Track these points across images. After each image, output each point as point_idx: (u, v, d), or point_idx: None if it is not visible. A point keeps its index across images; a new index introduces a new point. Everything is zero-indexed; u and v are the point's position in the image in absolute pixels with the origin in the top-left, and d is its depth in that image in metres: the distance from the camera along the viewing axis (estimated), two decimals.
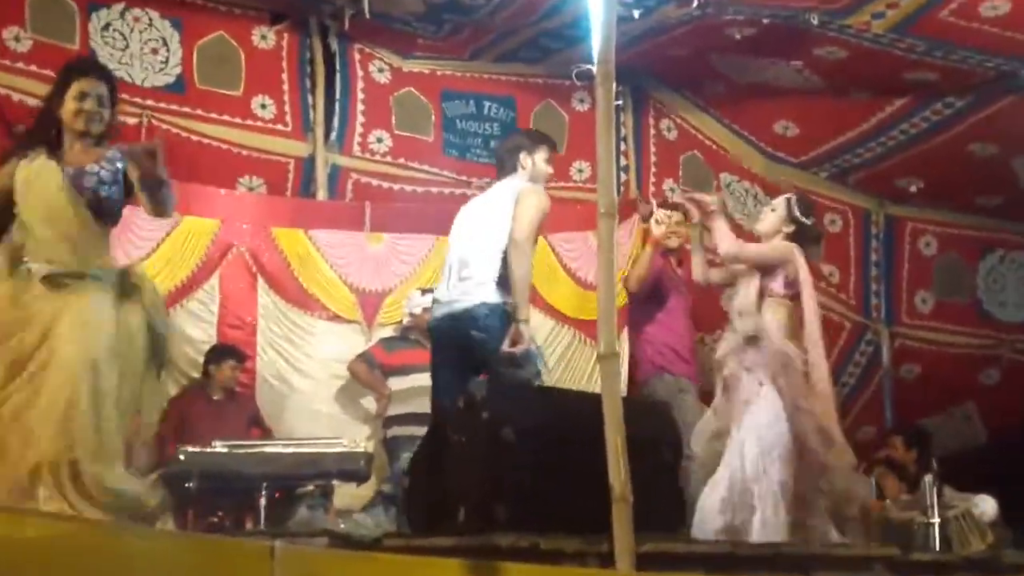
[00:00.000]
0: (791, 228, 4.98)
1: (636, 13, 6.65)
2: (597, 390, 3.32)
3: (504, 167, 5.11)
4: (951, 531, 6.05)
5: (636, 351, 6.67)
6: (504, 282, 4.71)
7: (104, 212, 3.92)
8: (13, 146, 4.06)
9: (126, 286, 3.89)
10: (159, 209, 4.06)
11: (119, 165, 3.95)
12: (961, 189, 8.41)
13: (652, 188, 8.43)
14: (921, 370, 8.70)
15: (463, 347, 4.74)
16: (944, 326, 8.79)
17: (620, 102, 8.04)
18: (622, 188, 8.14)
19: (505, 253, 4.73)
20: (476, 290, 4.76)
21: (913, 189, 8.46)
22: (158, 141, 4.18)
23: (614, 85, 3.00)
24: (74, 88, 3.94)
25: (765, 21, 6.81)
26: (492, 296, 4.72)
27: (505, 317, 4.66)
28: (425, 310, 6.81)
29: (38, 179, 3.87)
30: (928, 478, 6.09)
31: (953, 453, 7.78)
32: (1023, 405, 8.25)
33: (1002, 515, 6.36)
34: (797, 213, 4.99)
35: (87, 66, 4.29)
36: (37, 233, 3.81)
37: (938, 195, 8.54)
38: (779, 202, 5.13)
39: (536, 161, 5.02)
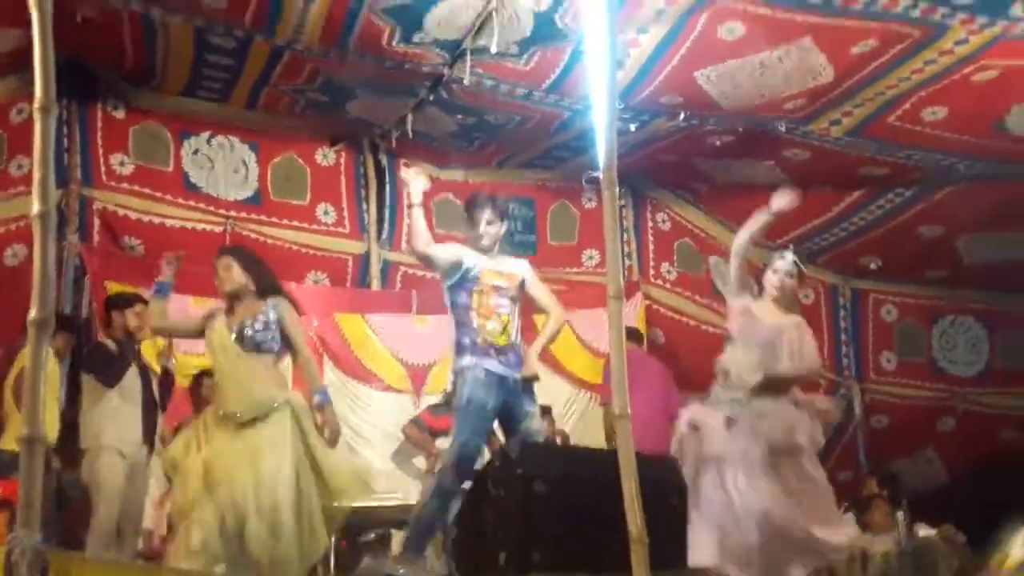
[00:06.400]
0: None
1: (633, 127, 6.68)
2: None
3: None
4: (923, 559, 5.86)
5: None
6: None
7: (263, 352, 4.08)
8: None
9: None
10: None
11: (271, 315, 4.13)
12: (913, 265, 8.32)
13: (652, 271, 8.41)
14: (888, 420, 8.53)
15: None
16: (906, 381, 8.63)
17: (623, 201, 8.12)
18: (626, 272, 8.11)
19: None
20: None
21: (873, 266, 8.39)
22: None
23: (617, 187, 2.97)
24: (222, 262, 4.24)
25: (740, 129, 6.82)
26: None
27: None
28: None
29: (219, 341, 4.13)
30: (900, 513, 5.93)
31: (919, 492, 7.59)
32: (976, 449, 8.08)
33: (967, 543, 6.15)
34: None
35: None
36: (220, 382, 4.09)
37: (894, 270, 8.46)
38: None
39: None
